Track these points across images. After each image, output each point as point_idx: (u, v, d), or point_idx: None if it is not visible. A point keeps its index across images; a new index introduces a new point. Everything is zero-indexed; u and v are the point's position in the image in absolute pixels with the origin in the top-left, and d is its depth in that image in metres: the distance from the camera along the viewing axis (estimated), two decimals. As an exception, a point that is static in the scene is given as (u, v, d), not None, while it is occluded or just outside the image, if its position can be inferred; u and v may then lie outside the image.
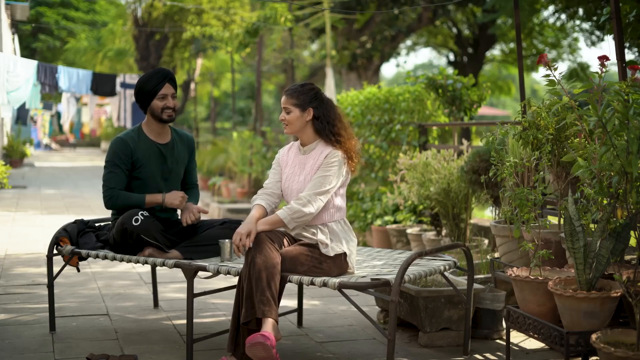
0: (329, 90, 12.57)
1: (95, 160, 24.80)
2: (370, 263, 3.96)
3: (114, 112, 13.94)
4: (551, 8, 16.94)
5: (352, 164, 3.71)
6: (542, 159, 3.98)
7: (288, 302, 4.92)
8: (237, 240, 3.48)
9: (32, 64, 11.14)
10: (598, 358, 3.01)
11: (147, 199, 4.07)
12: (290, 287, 5.02)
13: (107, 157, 4.13)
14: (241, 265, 3.61)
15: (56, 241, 4.24)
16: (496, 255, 4.84)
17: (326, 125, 3.70)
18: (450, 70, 14.41)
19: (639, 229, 3.19)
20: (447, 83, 7.06)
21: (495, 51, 24.48)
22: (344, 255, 3.65)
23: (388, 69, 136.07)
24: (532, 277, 3.52)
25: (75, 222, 4.39)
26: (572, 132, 3.91)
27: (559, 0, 13.74)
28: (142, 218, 3.90)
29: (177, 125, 23.49)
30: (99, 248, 4.16)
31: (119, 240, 3.97)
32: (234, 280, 5.11)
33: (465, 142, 6.01)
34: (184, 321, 4.37)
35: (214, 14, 19.89)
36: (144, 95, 4.09)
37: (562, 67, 24.46)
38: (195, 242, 4.03)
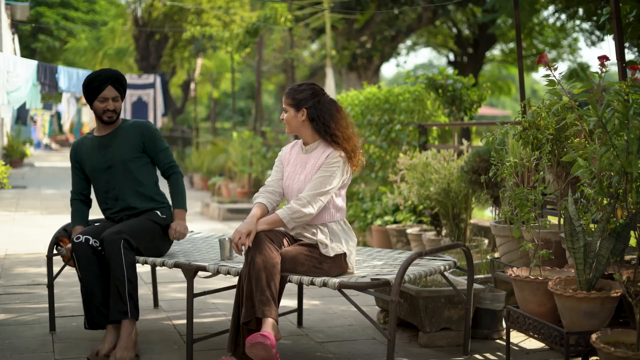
0: (329, 90, 12.57)
1: (95, 160, 24.72)
2: (370, 263, 3.96)
3: (114, 112, 13.91)
4: (551, 8, 16.95)
5: (352, 163, 3.71)
6: (542, 159, 3.98)
7: (288, 302, 4.92)
8: (237, 239, 3.48)
9: (32, 64, 11.13)
10: (598, 358, 3.01)
11: (75, 229, 4.13)
12: (290, 287, 5.02)
13: None
14: (241, 265, 3.61)
15: (56, 241, 4.25)
16: (496, 255, 4.84)
17: (321, 125, 3.70)
18: (450, 70, 14.42)
19: (639, 229, 3.19)
20: (447, 83, 7.06)
21: (495, 51, 24.49)
22: (343, 255, 3.65)
23: (388, 69, 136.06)
24: (532, 277, 3.52)
25: (75, 222, 4.40)
26: (572, 132, 3.91)
27: (559, 0, 13.75)
28: (61, 248, 4.12)
29: (177, 125, 23.47)
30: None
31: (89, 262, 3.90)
32: (234, 280, 5.11)
33: (465, 142, 6.01)
34: (184, 321, 4.37)
35: (213, 13, 19.90)
36: (87, 94, 4.13)
37: (562, 67, 24.49)
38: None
